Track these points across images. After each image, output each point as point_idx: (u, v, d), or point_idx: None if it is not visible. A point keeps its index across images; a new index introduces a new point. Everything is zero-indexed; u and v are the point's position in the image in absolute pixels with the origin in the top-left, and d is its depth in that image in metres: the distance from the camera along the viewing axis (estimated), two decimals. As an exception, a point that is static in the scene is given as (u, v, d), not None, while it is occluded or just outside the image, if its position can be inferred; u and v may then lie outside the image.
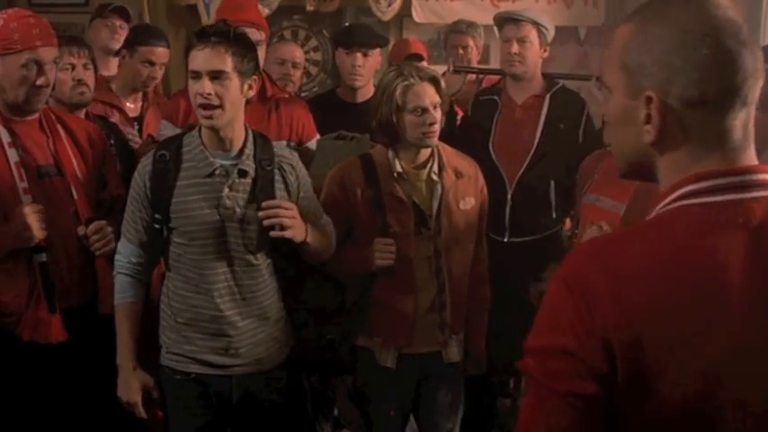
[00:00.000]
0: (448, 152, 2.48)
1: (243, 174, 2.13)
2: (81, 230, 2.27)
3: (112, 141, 2.74)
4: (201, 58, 2.04)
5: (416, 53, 3.62)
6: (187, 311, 2.18)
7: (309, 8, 4.60)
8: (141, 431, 2.76)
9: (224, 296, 2.16)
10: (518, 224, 3.05)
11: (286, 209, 2.11)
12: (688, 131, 1.00)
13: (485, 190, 2.55)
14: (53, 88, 2.60)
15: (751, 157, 1.02)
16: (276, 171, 2.18)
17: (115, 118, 3.10)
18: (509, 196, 3.04)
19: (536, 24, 3.04)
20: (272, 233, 2.10)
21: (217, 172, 2.12)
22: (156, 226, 2.15)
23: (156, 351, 2.27)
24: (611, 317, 0.93)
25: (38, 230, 2.16)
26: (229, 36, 2.05)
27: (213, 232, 2.13)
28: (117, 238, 2.28)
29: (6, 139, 2.23)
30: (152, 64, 3.16)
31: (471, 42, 3.87)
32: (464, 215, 2.46)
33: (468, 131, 3.10)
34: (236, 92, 2.06)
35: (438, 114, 2.36)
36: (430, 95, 2.34)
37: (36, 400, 2.25)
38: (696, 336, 0.92)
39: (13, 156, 2.22)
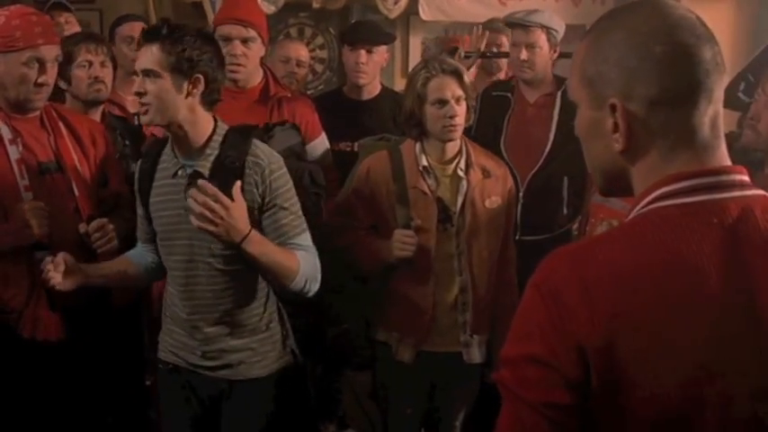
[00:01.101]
0: (477, 150, 2.49)
1: (198, 175, 1.99)
2: (82, 228, 2.25)
3: (127, 142, 2.71)
4: (139, 57, 2.02)
5: (456, 47, 3.55)
6: (170, 307, 2.19)
7: (316, 5, 4.56)
8: (141, 428, 2.77)
9: (185, 300, 2.11)
10: (530, 223, 3.01)
11: (215, 201, 1.88)
12: (654, 133, 0.98)
13: (513, 191, 2.54)
14: (69, 84, 2.60)
15: (723, 157, 1.00)
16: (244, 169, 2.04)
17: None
18: (521, 195, 2.99)
19: (545, 28, 3.00)
20: (194, 222, 1.93)
21: (179, 173, 2.07)
22: (147, 223, 2.18)
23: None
24: (584, 323, 0.91)
25: (38, 228, 2.14)
26: (160, 34, 1.98)
27: (178, 234, 2.09)
28: (119, 236, 2.27)
29: (7, 136, 2.21)
30: (132, 40, 3.17)
31: (505, 41, 3.83)
32: (489, 214, 2.44)
33: (477, 128, 3.06)
34: (169, 90, 1.97)
35: (460, 108, 2.35)
36: (451, 88, 2.34)
37: (36, 398, 2.24)
38: (672, 339, 0.90)
39: (14, 153, 2.20)
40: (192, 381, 2.18)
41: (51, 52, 2.22)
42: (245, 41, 2.71)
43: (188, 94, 2.00)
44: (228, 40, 2.70)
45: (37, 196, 2.20)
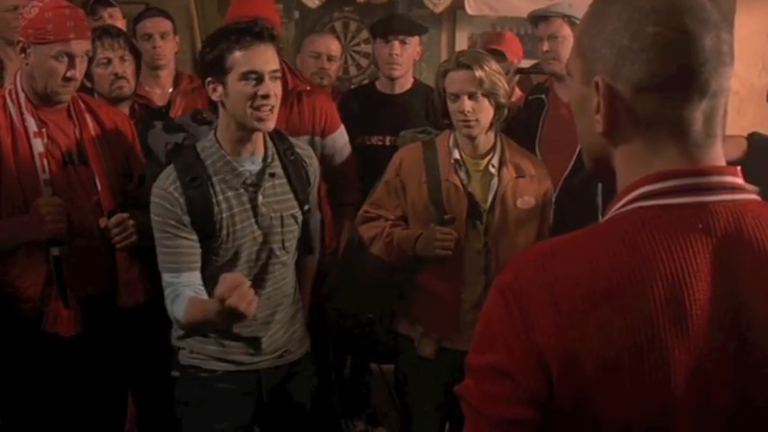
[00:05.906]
0: (513, 148, 2.46)
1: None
2: (102, 222, 2.27)
3: None
4: (257, 57, 1.97)
5: (494, 48, 3.50)
6: None
7: (361, -1, 4.55)
8: (152, 423, 2.78)
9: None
10: (562, 226, 2.92)
11: None
12: (639, 121, 0.89)
13: (549, 194, 2.49)
14: (93, 83, 2.63)
15: (717, 156, 0.90)
16: None
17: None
18: (554, 198, 2.93)
19: (566, 17, 2.89)
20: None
21: (248, 180, 2.12)
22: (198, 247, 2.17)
23: None
24: (549, 333, 0.82)
25: (52, 224, 2.15)
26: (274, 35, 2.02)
27: (248, 240, 2.14)
28: (138, 232, 2.27)
29: (33, 128, 2.22)
30: (150, 36, 3.18)
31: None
32: (520, 214, 2.41)
33: (514, 130, 3.00)
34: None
35: (474, 104, 2.32)
36: (462, 82, 2.33)
37: (49, 387, 2.27)
38: (647, 353, 0.81)
39: (37, 146, 2.21)
40: (250, 380, 2.15)
41: (81, 47, 2.22)
42: None
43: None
44: None
45: (58, 189, 2.22)
